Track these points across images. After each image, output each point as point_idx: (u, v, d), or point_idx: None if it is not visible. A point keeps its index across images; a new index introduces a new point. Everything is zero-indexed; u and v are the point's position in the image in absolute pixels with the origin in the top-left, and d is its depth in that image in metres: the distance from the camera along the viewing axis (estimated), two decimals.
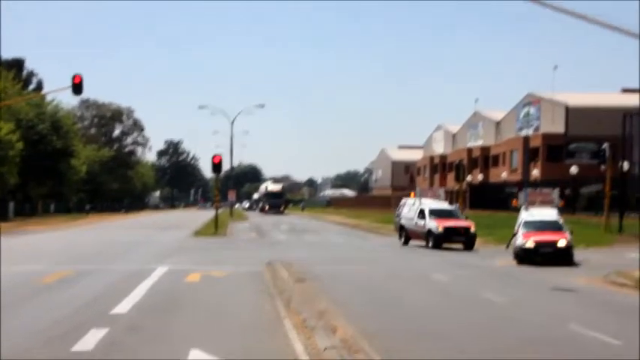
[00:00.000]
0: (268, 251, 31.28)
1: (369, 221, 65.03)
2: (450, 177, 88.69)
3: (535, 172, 66.50)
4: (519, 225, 27.79)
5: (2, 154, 60.76)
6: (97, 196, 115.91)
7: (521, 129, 74.46)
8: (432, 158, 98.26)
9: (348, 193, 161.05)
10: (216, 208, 52.03)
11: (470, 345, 11.74)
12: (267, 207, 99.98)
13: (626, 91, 72.31)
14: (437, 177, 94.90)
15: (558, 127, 67.34)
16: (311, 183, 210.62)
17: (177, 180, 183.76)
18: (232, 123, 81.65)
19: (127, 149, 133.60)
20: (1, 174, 61.94)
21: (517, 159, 72.50)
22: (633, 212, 42.98)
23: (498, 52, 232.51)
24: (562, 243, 26.20)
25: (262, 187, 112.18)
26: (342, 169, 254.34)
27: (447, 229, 34.21)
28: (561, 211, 30.83)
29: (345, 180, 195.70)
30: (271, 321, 13.48)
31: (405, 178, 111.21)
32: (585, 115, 65.81)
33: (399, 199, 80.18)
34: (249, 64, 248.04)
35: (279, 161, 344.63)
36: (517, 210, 30.34)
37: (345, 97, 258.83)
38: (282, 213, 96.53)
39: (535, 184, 51.08)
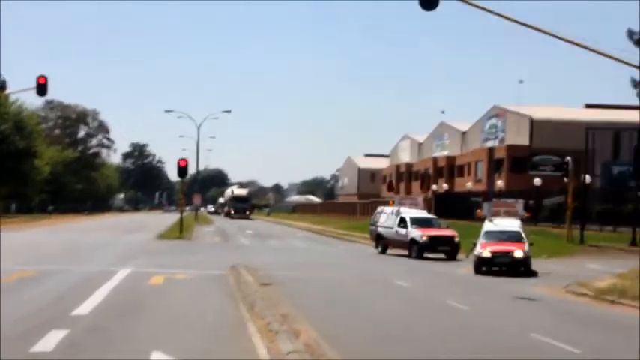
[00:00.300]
0: (233, 255, 31.18)
1: (335, 227, 65.15)
2: (416, 185, 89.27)
3: (499, 183, 67.12)
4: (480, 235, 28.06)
5: None
6: (60, 198, 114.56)
7: (486, 140, 75.19)
8: (397, 167, 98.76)
9: (314, 199, 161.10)
10: (181, 212, 51.79)
11: (433, 349, 11.82)
12: (232, 211, 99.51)
13: (589, 106, 73.46)
14: (402, 185, 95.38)
15: (523, 140, 68.07)
16: (277, 188, 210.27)
17: (143, 183, 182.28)
18: (199, 127, 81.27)
19: (91, 151, 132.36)
20: None
21: (482, 169, 73.16)
22: (594, 224, 43.59)
23: (465, 64, 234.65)
24: (519, 253, 26.24)
25: (228, 192, 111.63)
26: (308, 175, 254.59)
27: (431, 238, 33.75)
28: (526, 222, 31.07)
29: (311, 186, 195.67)
30: (235, 324, 13.44)
31: (371, 186, 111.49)
32: (549, 128, 66.63)
33: (365, 206, 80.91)
34: (216, 68, 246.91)
35: (245, 166, 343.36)
36: (481, 220, 30.56)
37: (313, 104, 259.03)
38: (247, 218, 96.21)
39: (499, 195, 51.54)
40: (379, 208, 41.11)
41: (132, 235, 47.26)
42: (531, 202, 46.71)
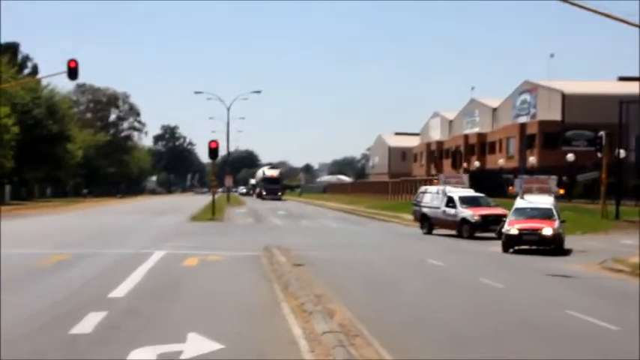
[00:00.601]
0: (265, 236, 31.31)
1: (366, 207, 65.12)
2: (447, 163, 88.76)
3: (532, 159, 66.49)
4: (510, 212, 27.71)
5: None
6: (94, 181, 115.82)
7: (517, 116, 74.43)
8: (428, 145, 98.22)
9: (345, 179, 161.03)
10: (213, 194, 52.06)
11: (467, 328, 11.79)
12: (264, 192, 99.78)
13: (623, 79, 72.19)
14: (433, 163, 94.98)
15: (555, 115, 67.31)
16: (308, 169, 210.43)
17: (174, 165, 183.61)
18: (229, 109, 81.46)
19: (123, 134, 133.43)
20: None
21: (514, 146, 72.50)
22: (629, 199, 43.02)
23: (495, 40, 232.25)
24: (547, 231, 25.34)
25: (259, 173, 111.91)
26: (338, 155, 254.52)
27: (483, 218, 33.03)
28: (560, 198, 30.54)
29: (341, 166, 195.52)
30: (269, 305, 13.51)
31: (402, 165, 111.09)
32: (582, 102, 65.76)
33: (396, 185, 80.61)
34: (246, 49, 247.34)
35: (275, 147, 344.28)
36: (513, 197, 30.18)
37: (343, 84, 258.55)
38: (279, 199, 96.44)
39: (532, 171, 51.02)
40: (422, 188, 40.46)
41: (165, 218, 47.66)
42: (565, 178, 46.21)
